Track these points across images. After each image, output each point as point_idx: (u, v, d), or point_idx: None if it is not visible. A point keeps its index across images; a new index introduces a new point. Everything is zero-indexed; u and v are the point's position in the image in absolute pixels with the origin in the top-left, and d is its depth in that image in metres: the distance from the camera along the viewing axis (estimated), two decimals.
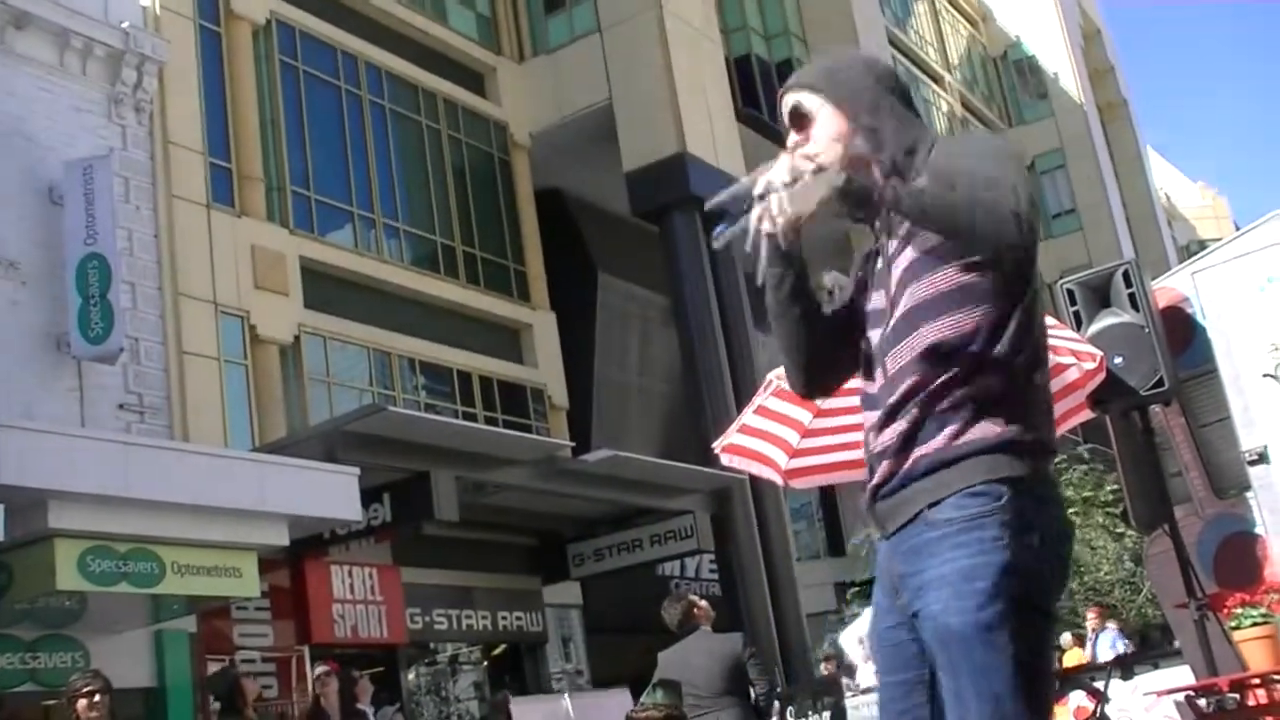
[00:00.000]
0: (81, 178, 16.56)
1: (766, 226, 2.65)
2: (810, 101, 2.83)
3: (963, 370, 2.59)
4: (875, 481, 2.70)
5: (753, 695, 8.45)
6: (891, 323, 2.72)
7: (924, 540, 2.56)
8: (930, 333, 2.62)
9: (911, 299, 2.67)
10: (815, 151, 2.74)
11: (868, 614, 9.52)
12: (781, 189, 2.58)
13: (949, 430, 2.58)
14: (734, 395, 22.88)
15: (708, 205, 2.76)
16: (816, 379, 2.92)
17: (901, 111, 2.78)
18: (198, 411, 17.55)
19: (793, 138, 2.84)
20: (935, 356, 2.61)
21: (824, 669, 18.48)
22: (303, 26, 22.02)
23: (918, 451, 2.60)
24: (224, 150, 19.71)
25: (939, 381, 2.60)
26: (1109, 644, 16.77)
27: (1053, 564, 2.55)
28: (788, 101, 2.86)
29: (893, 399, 2.66)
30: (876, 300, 2.82)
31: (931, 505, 2.56)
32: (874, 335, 2.79)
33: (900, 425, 2.64)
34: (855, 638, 10.44)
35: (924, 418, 2.60)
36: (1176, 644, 15.34)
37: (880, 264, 2.85)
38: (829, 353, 2.86)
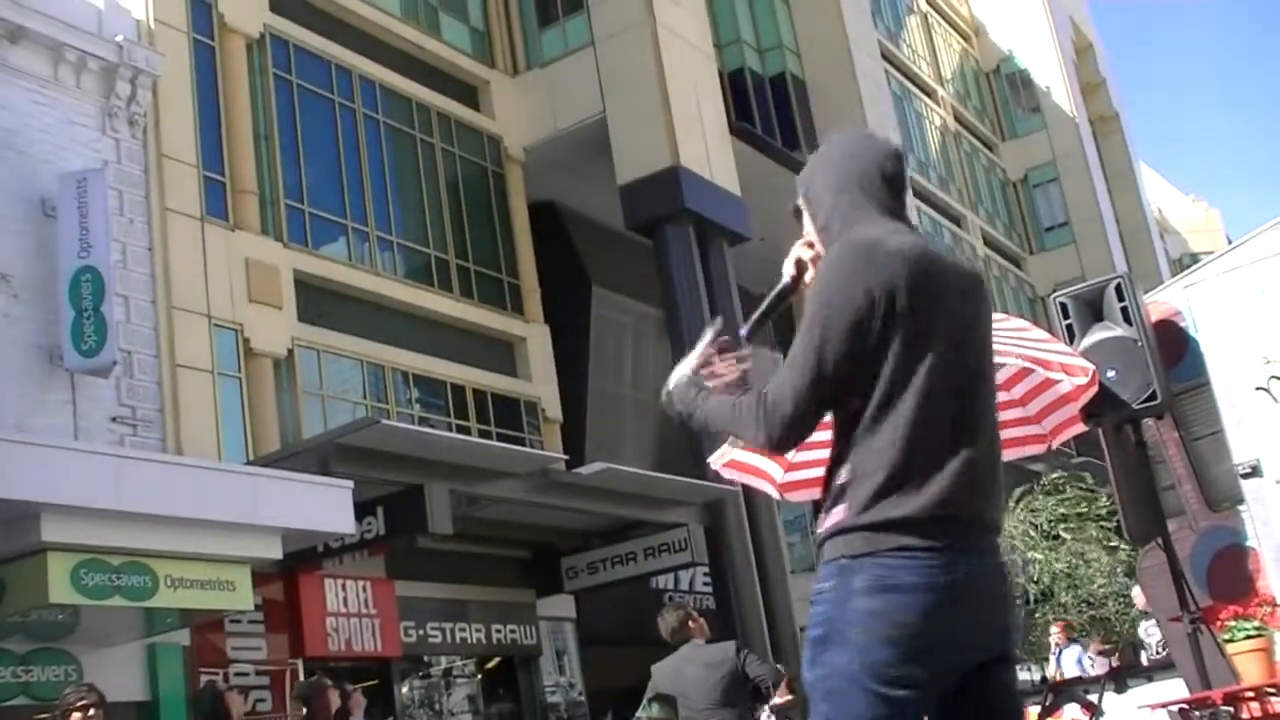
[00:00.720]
0: (75, 191, 16.56)
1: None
2: (800, 198, 3.15)
3: (830, 460, 2.91)
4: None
5: (760, 685, 8.45)
6: None
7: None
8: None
9: None
10: (809, 242, 3.11)
11: None
12: (787, 278, 3.10)
13: (825, 514, 2.88)
14: None
15: (741, 335, 3.17)
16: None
17: (849, 194, 3.03)
18: (191, 424, 17.53)
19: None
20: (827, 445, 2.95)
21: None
22: (296, 40, 22.05)
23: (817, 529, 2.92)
24: (218, 163, 19.72)
25: (827, 470, 2.92)
26: (1074, 660, 16.53)
27: (889, 643, 2.70)
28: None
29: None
30: None
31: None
32: None
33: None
34: None
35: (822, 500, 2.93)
36: (1147, 659, 15.34)
37: None
38: None
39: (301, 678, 16.78)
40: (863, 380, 2.82)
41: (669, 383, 3.11)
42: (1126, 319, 7.66)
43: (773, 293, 3.12)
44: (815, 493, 8.09)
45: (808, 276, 3.06)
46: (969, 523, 2.82)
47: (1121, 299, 7.72)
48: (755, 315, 3.16)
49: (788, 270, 3.09)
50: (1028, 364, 6.37)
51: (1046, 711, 9.74)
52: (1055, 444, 7.28)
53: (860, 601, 2.73)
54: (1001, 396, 7.38)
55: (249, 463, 17.13)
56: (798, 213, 3.15)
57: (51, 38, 17.22)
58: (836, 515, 2.82)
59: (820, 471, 6.46)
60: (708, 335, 3.13)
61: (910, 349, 2.81)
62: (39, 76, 17.25)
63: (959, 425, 2.85)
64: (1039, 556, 20.31)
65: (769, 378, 2.94)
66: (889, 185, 3.04)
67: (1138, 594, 13.14)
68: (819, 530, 2.86)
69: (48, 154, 16.98)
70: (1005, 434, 7.41)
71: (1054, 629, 17.88)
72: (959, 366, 2.88)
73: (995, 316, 7.57)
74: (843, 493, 2.83)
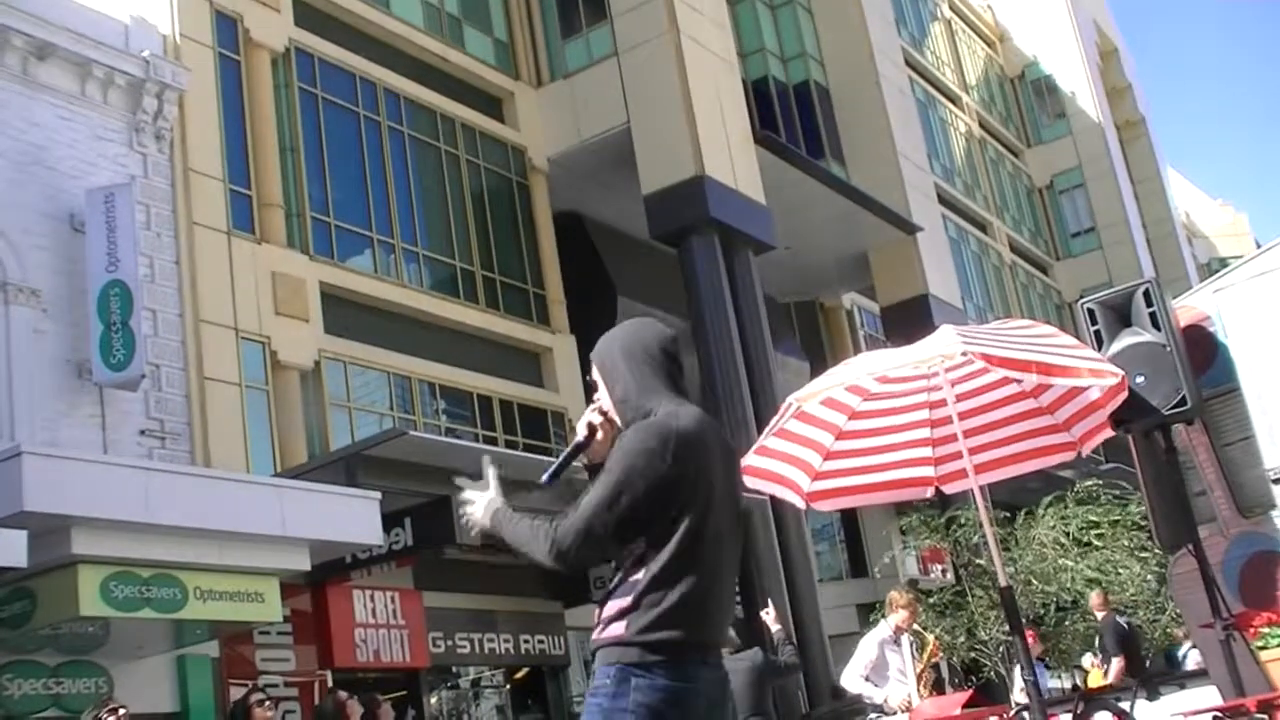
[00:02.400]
0: (103, 205, 16.66)
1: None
2: (596, 371, 3.84)
3: (616, 583, 3.62)
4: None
5: (782, 656, 8.57)
6: None
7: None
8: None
9: None
10: (600, 406, 3.82)
11: (864, 647, 9.50)
12: (581, 435, 3.83)
13: (600, 629, 3.59)
14: (754, 417, 22.87)
15: (543, 480, 3.92)
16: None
17: (641, 372, 3.75)
18: (219, 437, 17.60)
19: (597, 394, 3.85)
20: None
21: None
22: (321, 54, 22.14)
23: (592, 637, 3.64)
24: (244, 177, 19.81)
25: (614, 585, 3.61)
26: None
27: None
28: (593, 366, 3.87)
29: (611, 584, 3.66)
30: None
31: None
32: None
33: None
34: (856, 674, 10.37)
35: (599, 615, 3.62)
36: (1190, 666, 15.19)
37: None
38: None
39: (331, 686, 16.82)
40: (640, 531, 3.55)
41: (479, 512, 3.79)
42: (1155, 324, 7.62)
43: (568, 449, 3.82)
44: (842, 501, 8.11)
45: (599, 436, 3.78)
46: (707, 645, 3.60)
47: (1150, 304, 7.68)
48: (554, 466, 3.84)
49: (581, 430, 3.79)
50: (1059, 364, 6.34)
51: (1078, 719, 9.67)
52: (1084, 451, 7.26)
53: (635, 696, 3.46)
54: (1029, 405, 7.38)
55: (276, 475, 17.18)
56: (592, 385, 3.83)
57: (79, 54, 17.34)
58: (616, 630, 3.52)
59: (847, 482, 7.04)
60: (489, 472, 3.84)
61: (683, 509, 3.54)
62: (67, 93, 17.36)
63: (709, 567, 3.57)
64: (1070, 564, 20.18)
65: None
66: (673, 362, 3.79)
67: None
68: (594, 637, 3.59)
69: (76, 170, 17.09)
70: (1033, 443, 7.44)
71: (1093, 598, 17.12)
72: (716, 521, 3.60)
73: (1022, 323, 7.56)
74: (622, 615, 3.53)
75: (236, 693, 15.38)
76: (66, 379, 16.19)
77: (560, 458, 3.83)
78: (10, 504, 11.61)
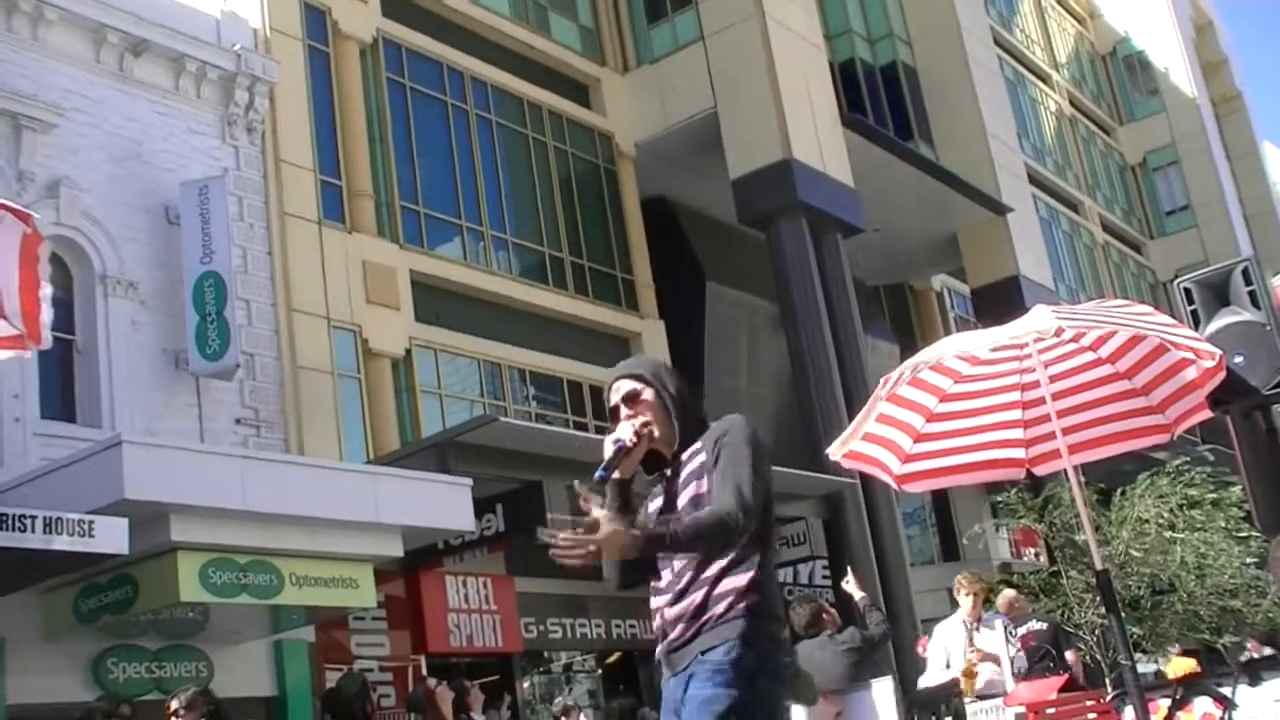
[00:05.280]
0: (197, 198, 16.92)
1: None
2: (639, 386, 4.13)
3: (726, 565, 3.86)
4: (671, 637, 3.94)
5: (872, 624, 8.59)
6: None
7: (693, 671, 3.84)
8: None
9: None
10: (646, 419, 4.07)
11: (941, 631, 9.39)
12: (629, 441, 4.01)
13: (722, 606, 3.84)
14: (844, 400, 22.76)
15: (597, 476, 4.01)
16: (634, 582, 4.10)
17: (686, 392, 4.15)
18: (312, 425, 17.80)
19: (625, 411, 4.11)
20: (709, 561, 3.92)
21: None
22: (409, 44, 22.30)
23: (708, 614, 3.85)
24: (334, 167, 20.01)
25: (716, 571, 3.87)
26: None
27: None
28: (622, 386, 4.15)
29: (681, 585, 3.91)
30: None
31: (704, 652, 3.82)
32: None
33: (694, 598, 3.88)
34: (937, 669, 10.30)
35: (710, 593, 3.86)
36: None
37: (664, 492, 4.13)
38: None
39: (424, 674, 16.98)
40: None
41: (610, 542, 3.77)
42: (1254, 303, 7.48)
43: (616, 450, 3.99)
44: (932, 483, 8.02)
45: (641, 444, 4.02)
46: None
47: (1248, 283, 7.54)
48: (606, 464, 3.97)
49: (627, 436, 4.00)
50: (1155, 342, 6.25)
51: (1177, 705, 9.54)
52: (1178, 432, 7.14)
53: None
54: (1123, 385, 7.27)
55: (369, 462, 17.36)
56: (633, 396, 4.11)
57: (173, 49, 17.60)
58: (750, 601, 3.84)
59: (936, 464, 7.07)
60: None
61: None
62: (161, 88, 17.64)
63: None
64: (1178, 538, 19.81)
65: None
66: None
67: None
68: (711, 616, 3.85)
69: (170, 163, 17.35)
70: (1126, 424, 7.32)
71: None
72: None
73: (1118, 302, 7.44)
74: (745, 591, 3.84)
75: (332, 677, 15.61)
76: (164, 369, 16.46)
77: (611, 457, 4.01)
78: (111, 492, 11.86)
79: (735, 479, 3.81)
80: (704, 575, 3.89)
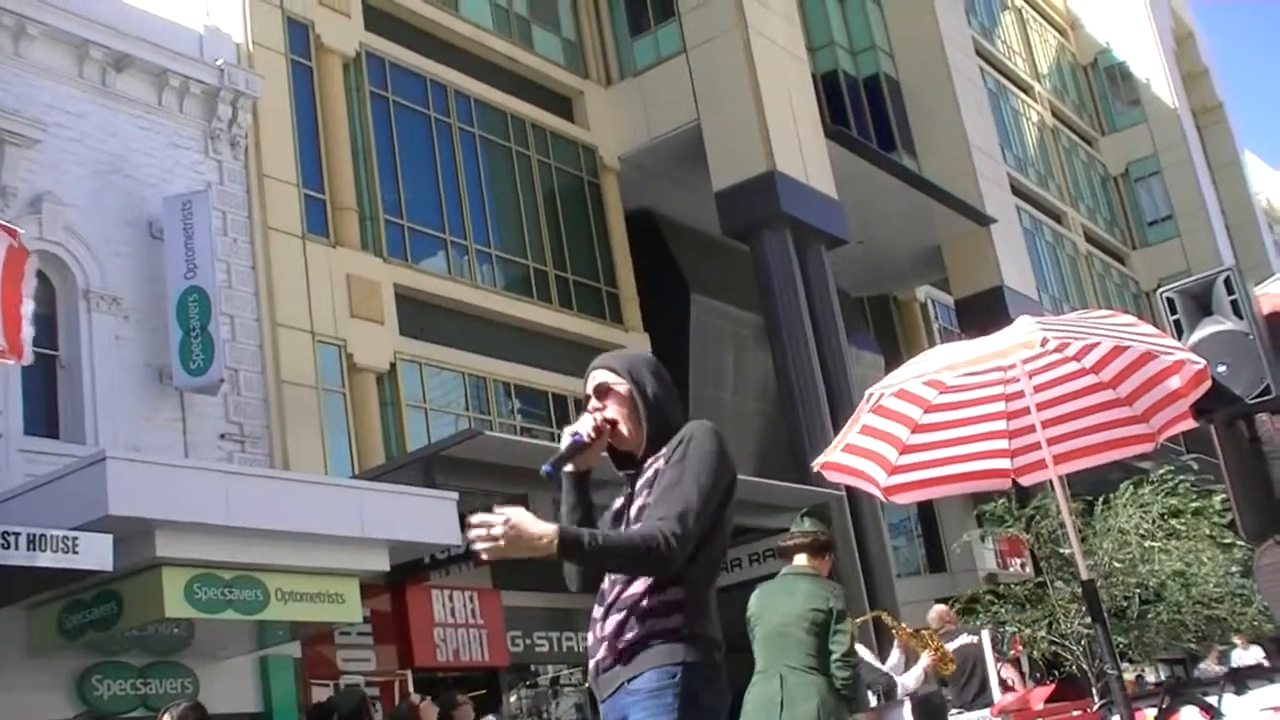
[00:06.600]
0: (180, 213, 16.90)
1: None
2: (612, 379, 3.90)
3: (653, 583, 3.57)
4: (597, 659, 3.68)
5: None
6: None
7: (625, 705, 3.54)
8: None
9: None
10: (610, 416, 3.84)
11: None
12: (585, 436, 3.77)
13: (641, 629, 3.57)
14: (829, 411, 22.79)
15: (543, 470, 3.78)
16: (590, 584, 3.84)
17: (664, 395, 3.88)
18: (297, 440, 17.77)
19: (593, 402, 3.90)
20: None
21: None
22: (392, 57, 22.30)
23: (624, 639, 3.58)
24: (318, 182, 20.00)
25: (641, 589, 3.58)
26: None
27: None
28: (597, 376, 3.94)
29: (610, 599, 3.67)
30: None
31: (629, 680, 3.54)
32: None
33: (615, 618, 3.62)
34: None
35: (630, 615, 3.58)
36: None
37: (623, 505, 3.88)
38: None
39: (411, 689, 16.94)
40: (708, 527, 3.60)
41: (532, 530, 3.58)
42: (1237, 312, 7.50)
43: (570, 444, 3.76)
44: (918, 494, 8.04)
45: (600, 440, 3.80)
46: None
47: (1231, 292, 7.56)
48: (555, 459, 3.77)
49: (585, 429, 3.77)
50: (1139, 351, 6.27)
51: (1163, 714, 9.57)
52: (1161, 440, 7.16)
53: (707, 694, 3.52)
54: (1108, 395, 7.30)
55: (354, 476, 17.34)
56: (604, 389, 3.89)
57: (155, 64, 17.59)
58: (672, 623, 3.55)
59: (922, 475, 6.98)
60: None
61: (729, 512, 3.72)
62: (144, 103, 17.62)
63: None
64: (1158, 545, 19.89)
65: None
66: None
67: None
68: (633, 637, 3.57)
69: (153, 178, 17.33)
70: (1110, 434, 7.35)
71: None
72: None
73: (1102, 312, 7.49)
74: (677, 608, 3.57)
75: (318, 693, 15.56)
76: (148, 384, 16.42)
77: (563, 450, 3.79)
78: (95, 508, 11.81)
79: (683, 500, 3.53)
80: (627, 593, 3.62)
